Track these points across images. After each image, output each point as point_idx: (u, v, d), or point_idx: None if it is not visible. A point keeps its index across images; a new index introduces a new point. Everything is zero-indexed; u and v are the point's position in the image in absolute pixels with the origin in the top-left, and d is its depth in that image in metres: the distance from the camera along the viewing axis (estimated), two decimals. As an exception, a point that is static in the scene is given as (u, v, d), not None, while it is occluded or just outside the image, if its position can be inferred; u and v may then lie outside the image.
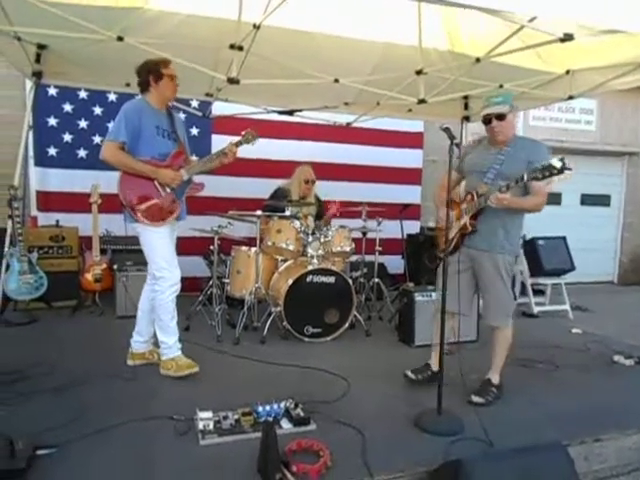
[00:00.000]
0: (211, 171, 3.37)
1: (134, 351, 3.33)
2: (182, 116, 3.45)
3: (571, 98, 4.79)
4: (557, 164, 2.43)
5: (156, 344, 3.30)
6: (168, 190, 3.14)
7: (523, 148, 2.86)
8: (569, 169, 2.43)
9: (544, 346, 4.08)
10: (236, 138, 3.32)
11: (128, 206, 3.06)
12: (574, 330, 4.74)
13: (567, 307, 5.85)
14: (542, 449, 2.19)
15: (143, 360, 3.32)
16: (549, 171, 2.45)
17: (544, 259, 5.90)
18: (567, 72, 4.37)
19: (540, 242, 5.99)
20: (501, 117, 2.83)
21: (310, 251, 4.27)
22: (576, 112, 8.18)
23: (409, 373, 3.10)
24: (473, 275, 3.00)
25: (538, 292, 6.08)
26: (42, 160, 5.50)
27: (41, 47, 4.11)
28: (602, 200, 8.86)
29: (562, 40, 3.24)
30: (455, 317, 2.92)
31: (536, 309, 5.68)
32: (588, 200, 8.76)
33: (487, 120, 2.87)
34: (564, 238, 6.20)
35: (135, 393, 2.90)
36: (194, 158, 3.37)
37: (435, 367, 3.05)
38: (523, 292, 5.98)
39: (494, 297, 2.92)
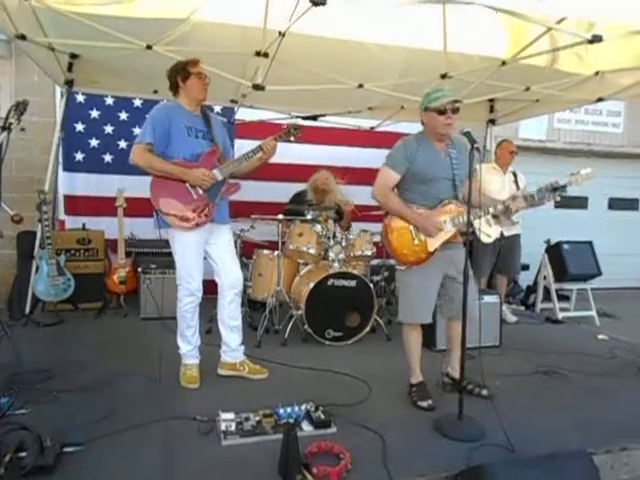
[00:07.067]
0: (252, 172, 3.25)
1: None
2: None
3: (600, 100, 4.70)
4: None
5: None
6: (201, 192, 3.01)
7: (459, 146, 2.82)
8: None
9: (569, 352, 3.99)
10: (259, 142, 3.25)
11: (159, 210, 2.99)
12: (600, 336, 4.63)
13: (593, 313, 5.74)
14: (566, 457, 2.16)
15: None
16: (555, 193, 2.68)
17: (569, 263, 5.80)
18: (596, 73, 4.27)
19: (565, 246, 5.89)
20: (456, 111, 2.74)
21: (331, 255, 4.27)
22: (603, 114, 8.02)
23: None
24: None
25: (563, 297, 5.97)
26: (70, 165, 5.63)
27: (73, 56, 4.24)
28: (630, 204, 8.67)
29: (590, 42, 3.20)
30: (419, 329, 2.93)
31: (561, 315, 5.58)
32: (616, 204, 8.58)
33: (444, 111, 2.70)
34: (590, 242, 6.09)
35: (159, 393, 2.94)
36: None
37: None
38: (547, 297, 5.89)
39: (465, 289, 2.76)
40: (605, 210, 8.52)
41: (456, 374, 2.99)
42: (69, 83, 4.62)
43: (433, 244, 2.78)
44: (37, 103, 5.26)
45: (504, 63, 4.00)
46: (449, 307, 2.93)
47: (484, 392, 2.92)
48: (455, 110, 2.72)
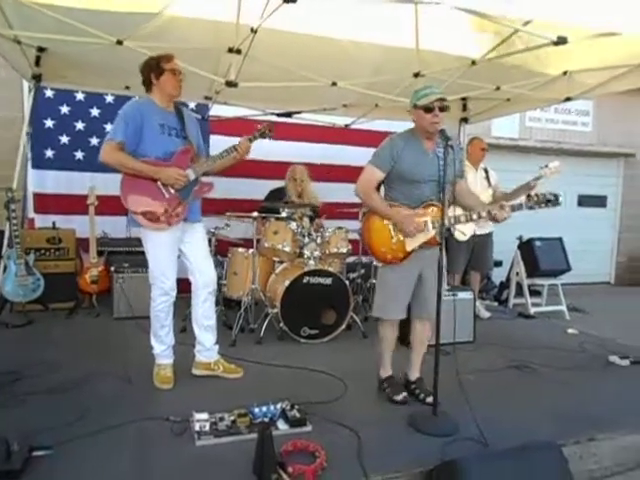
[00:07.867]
0: (226, 170, 3.24)
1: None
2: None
3: (568, 100, 4.81)
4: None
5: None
6: (172, 191, 2.95)
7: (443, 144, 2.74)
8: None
9: (540, 346, 4.08)
10: (234, 138, 3.21)
11: (129, 209, 2.92)
12: (570, 331, 4.75)
13: (563, 308, 5.87)
14: (536, 449, 2.20)
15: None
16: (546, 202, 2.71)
17: (540, 260, 5.94)
18: (564, 73, 4.38)
19: (537, 243, 6.03)
20: (445, 109, 2.68)
21: (307, 252, 4.27)
22: (572, 113, 8.21)
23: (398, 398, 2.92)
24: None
25: (534, 293, 6.10)
26: (39, 162, 5.49)
27: (41, 50, 4.12)
28: (599, 201, 8.90)
29: (556, 43, 3.25)
30: (396, 325, 2.94)
31: (532, 310, 5.71)
32: (585, 201, 8.79)
33: (431, 108, 2.65)
34: (560, 239, 6.24)
35: (131, 395, 2.90)
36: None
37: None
38: (520, 293, 6.01)
39: (436, 290, 2.68)
40: (575, 207, 8.72)
41: (410, 374, 3.03)
42: (37, 77, 4.49)
43: (411, 244, 2.77)
44: (4, 97, 5.12)
45: (474, 63, 4.05)
46: (415, 305, 2.94)
47: (429, 399, 2.79)
48: (443, 108, 2.69)
